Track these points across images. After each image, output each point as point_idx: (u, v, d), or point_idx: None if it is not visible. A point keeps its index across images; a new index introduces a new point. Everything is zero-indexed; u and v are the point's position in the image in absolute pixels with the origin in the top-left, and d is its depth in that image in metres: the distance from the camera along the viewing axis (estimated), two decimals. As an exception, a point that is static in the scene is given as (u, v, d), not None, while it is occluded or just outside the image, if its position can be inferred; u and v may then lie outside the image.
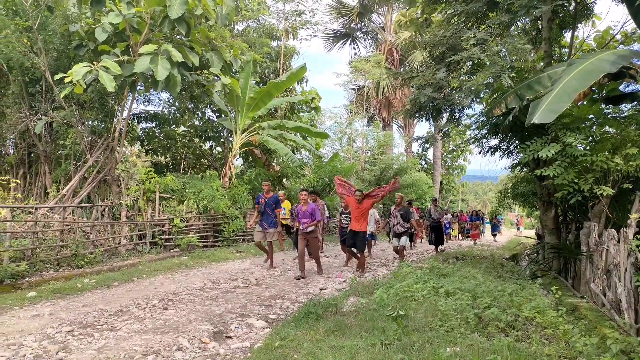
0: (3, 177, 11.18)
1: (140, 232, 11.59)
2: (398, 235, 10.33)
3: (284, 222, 11.77)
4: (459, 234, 23.96)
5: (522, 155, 7.67)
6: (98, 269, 8.86)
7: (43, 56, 11.09)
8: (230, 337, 4.90)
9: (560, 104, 6.25)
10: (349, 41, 30.10)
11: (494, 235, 23.85)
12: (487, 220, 27.03)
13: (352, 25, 29.01)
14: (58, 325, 5.16)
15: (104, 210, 11.12)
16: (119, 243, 10.92)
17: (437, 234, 14.34)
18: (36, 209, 9.23)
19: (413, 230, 15.55)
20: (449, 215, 21.64)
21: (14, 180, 10.91)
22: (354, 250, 9.40)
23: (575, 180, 6.78)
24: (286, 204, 12.25)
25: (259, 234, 9.79)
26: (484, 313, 5.01)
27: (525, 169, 10.26)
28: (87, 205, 10.98)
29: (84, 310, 5.88)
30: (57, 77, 9.46)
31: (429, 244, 15.63)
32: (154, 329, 5.11)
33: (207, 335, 4.90)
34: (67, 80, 9.05)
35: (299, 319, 5.23)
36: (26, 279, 7.47)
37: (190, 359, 4.22)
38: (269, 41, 18.91)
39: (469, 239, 22.60)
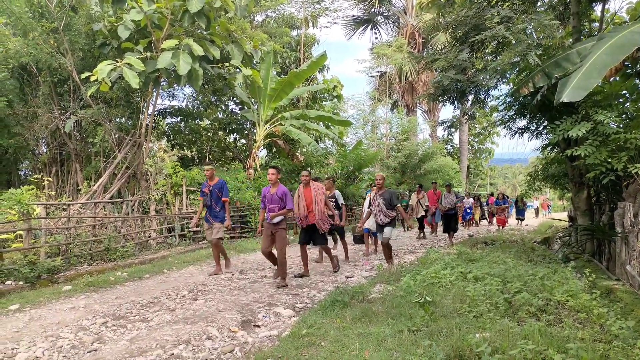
0: (37, 176, 11.57)
1: (169, 225, 11.83)
2: (381, 227, 8.07)
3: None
4: (481, 218, 22.51)
5: (551, 135, 7.46)
6: (130, 262, 9.09)
7: (69, 56, 11.36)
8: (258, 326, 4.95)
9: (590, 81, 6.02)
10: (369, 27, 29.72)
11: (520, 220, 22.24)
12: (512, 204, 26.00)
13: (372, 10, 28.62)
14: (92, 317, 5.32)
15: (133, 204, 11.39)
16: (149, 236, 11.17)
17: (447, 222, 12.70)
18: (69, 205, 9.51)
19: (418, 216, 14.21)
20: (471, 200, 20.23)
21: (47, 178, 11.28)
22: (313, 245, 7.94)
23: (608, 160, 6.55)
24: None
25: (208, 232, 8.00)
26: (514, 298, 4.90)
27: (555, 150, 9.97)
28: (118, 200, 11.26)
29: (116, 302, 6.05)
30: (83, 76, 9.69)
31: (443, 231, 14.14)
32: (184, 319, 5.21)
33: (236, 325, 4.96)
34: (92, 78, 9.26)
35: (326, 307, 5.24)
36: (62, 274, 7.73)
37: (219, 347, 4.28)
38: (288, 31, 18.86)
39: (490, 224, 21.38)
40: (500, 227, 18.60)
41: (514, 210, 23.22)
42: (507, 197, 20.72)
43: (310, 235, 7.63)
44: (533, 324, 4.09)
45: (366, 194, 16.34)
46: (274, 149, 19.23)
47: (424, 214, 14.43)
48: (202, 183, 8.20)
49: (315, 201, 7.53)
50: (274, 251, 7.17)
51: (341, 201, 9.62)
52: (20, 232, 7.85)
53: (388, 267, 7.78)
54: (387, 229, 7.94)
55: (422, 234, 14.55)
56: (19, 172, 15.59)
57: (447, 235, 13.08)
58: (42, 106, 12.35)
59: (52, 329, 4.92)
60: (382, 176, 8.24)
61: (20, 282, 6.99)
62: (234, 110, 18.74)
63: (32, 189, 8.39)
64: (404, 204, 17.80)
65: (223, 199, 7.87)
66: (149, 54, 10.37)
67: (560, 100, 6.11)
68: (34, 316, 5.44)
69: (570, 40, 9.19)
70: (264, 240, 7.04)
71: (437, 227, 16.01)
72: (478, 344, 3.49)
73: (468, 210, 19.45)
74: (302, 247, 7.72)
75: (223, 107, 18.52)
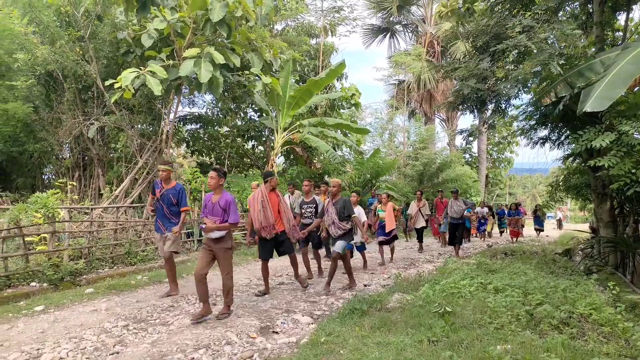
0: (60, 180, 11.82)
1: (188, 231, 11.95)
2: (335, 240, 7.15)
3: None
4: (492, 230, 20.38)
5: (574, 145, 7.37)
6: (150, 266, 9.21)
7: (94, 64, 11.63)
8: (276, 332, 4.98)
9: (615, 91, 5.95)
10: (388, 35, 29.79)
11: (539, 231, 20.62)
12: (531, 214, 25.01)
13: (391, 18, 28.68)
14: (114, 320, 5.41)
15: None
16: (168, 241, 11.29)
17: (453, 232, 11.71)
18: (91, 209, 9.70)
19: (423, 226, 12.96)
20: (485, 209, 18.38)
21: (71, 183, 11.50)
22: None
23: (633, 171, 6.44)
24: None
25: (160, 244, 6.82)
26: (535, 310, 4.83)
27: (577, 160, 9.83)
28: (139, 205, 11.43)
29: (137, 306, 6.14)
30: (107, 83, 9.89)
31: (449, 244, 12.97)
32: (203, 323, 5.27)
33: (255, 330, 5.00)
34: (116, 85, 9.45)
35: (344, 315, 5.24)
36: (84, 276, 7.86)
37: (239, 353, 4.32)
38: (307, 39, 19.01)
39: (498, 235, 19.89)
40: (514, 240, 17.46)
41: (529, 220, 22.32)
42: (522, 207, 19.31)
43: (277, 246, 6.89)
44: (556, 336, 4.03)
45: (369, 203, 15.95)
46: (292, 156, 19.32)
47: (425, 225, 13.22)
48: (155, 181, 6.96)
49: (284, 208, 6.94)
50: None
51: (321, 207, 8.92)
52: (45, 234, 8.02)
53: (326, 289, 7.03)
54: (338, 243, 7.00)
55: (420, 247, 13.34)
56: (43, 176, 15.94)
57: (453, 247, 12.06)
58: (66, 112, 12.63)
59: (76, 330, 5.02)
60: (338, 182, 7.25)
61: (45, 284, 7.14)
62: (252, 117, 18.91)
63: (58, 192, 8.57)
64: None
65: (182, 208, 6.67)
66: (171, 62, 10.55)
67: (584, 110, 6.05)
68: (58, 318, 5.55)
69: (593, 49, 9.09)
70: (200, 259, 5.58)
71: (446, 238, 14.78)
72: (500, 356, 3.46)
73: (482, 221, 18.02)
74: (264, 263, 6.90)
75: (242, 114, 18.70)
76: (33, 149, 13.11)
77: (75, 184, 12.81)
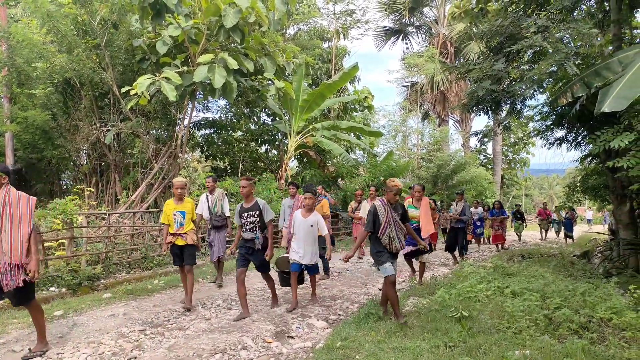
0: (78, 186, 12.01)
1: (203, 235, 12.01)
2: (395, 255, 5.51)
3: (178, 241, 6.27)
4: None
5: (591, 146, 7.24)
6: (166, 270, 9.29)
7: (110, 71, 11.81)
8: (292, 337, 4.98)
9: (634, 90, 5.84)
10: (400, 37, 29.74)
11: (569, 237, 18.01)
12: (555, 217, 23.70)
13: (403, 20, 28.63)
14: (131, 325, 5.47)
15: (169, 214, 11.65)
16: (184, 246, 11.39)
17: (453, 239, 10.53)
18: (108, 214, 9.82)
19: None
20: (480, 210, 14.70)
21: (88, 189, 11.67)
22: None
23: (653, 171, 6.30)
24: (187, 204, 6.35)
25: None
26: (554, 314, 4.76)
27: (595, 161, 9.67)
28: (155, 210, 11.55)
29: (154, 310, 6.19)
30: (123, 90, 10.05)
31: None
32: (219, 328, 5.29)
33: (270, 335, 5.00)
34: (132, 92, 9.59)
35: (360, 319, 5.22)
36: (101, 281, 7.97)
37: (255, 358, 4.33)
38: (320, 43, 19.08)
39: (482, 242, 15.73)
40: (498, 246, 14.61)
41: (553, 224, 21.04)
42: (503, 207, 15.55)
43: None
44: (575, 341, 3.96)
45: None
46: (305, 160, 19.37)
47: None
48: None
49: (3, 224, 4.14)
50: None
51: (227, 212, 7.26)
52: (63, 240, 8.15)
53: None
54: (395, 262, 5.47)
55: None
56: (61, 182, 16.22)
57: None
58: (83, 119, 12.84)
59: (94, 335, 5.08)
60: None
61: (63, 289, 7.25)
62: (266, 121, 19.03)
63: (76, 199, 8.71)
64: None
65: None
66: (185, 68, 10.68)
67: (601, 110, 5.95)
68: (77, 322, 5.62)
69: (610, 48, 8.95)
70: None
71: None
72: (518, 362, 3.41)
73: (478, 224, 14.53)
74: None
75: (255, 119, 18.83)
76: (51, 155, 13.35)
77: (92, 189, 12.99)
